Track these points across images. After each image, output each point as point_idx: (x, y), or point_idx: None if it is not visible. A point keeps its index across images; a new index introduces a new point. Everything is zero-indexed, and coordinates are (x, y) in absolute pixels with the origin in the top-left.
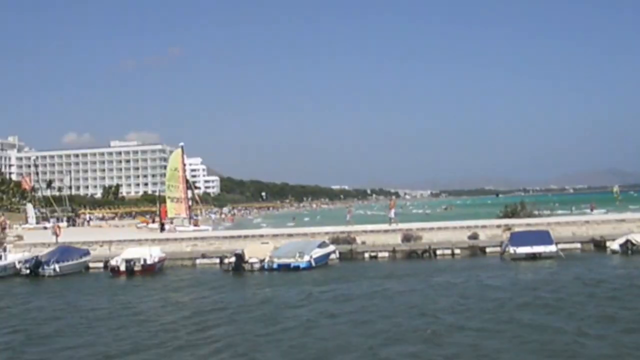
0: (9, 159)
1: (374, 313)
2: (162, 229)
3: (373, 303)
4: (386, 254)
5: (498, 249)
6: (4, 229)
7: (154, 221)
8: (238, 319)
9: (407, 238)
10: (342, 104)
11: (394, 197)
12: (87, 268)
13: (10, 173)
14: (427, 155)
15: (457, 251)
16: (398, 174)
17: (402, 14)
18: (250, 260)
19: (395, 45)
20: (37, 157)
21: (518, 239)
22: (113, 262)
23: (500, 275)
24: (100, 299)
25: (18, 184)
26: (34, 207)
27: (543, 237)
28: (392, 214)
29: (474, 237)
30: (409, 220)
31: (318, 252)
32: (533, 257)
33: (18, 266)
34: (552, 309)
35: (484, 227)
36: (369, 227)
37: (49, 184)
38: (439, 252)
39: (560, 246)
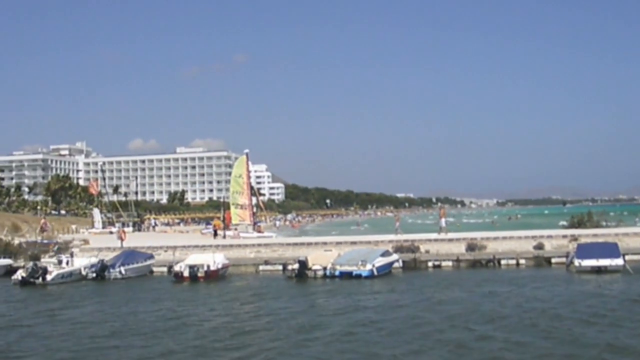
0: (77, 164)
1: (412, 322)
2: (215, 234)
3: (417, 312)
4: (450, 263)
5: (564, 260)
6: (44, 231)
7: (228, 227)
8: (279, 325)
9: (471, 247)
10: (408, 110)
11: (444, 206)
12: (151, 272)
13: (78, 178)
14: (494, 164)
15: (522, 261)
16: (464, 182)
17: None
18: (314, 268)
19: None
20: (104, 163)
21: (584, 251)
22: (177, 268)
23: (558, 288)
24: (162, 303)
25: (85, 189)
26: (101, 212)
27: (610, 249)
28: (442, 222)
29: (540, 247)
30: (472, 229)
31: (381, 261)
32: (598, 270)
33: (84, 271)
34: (587, 325)
35: (549, 237)
36: (433, 235)
37: (116, 189)
38: (503, 262)
39: (628, 257)
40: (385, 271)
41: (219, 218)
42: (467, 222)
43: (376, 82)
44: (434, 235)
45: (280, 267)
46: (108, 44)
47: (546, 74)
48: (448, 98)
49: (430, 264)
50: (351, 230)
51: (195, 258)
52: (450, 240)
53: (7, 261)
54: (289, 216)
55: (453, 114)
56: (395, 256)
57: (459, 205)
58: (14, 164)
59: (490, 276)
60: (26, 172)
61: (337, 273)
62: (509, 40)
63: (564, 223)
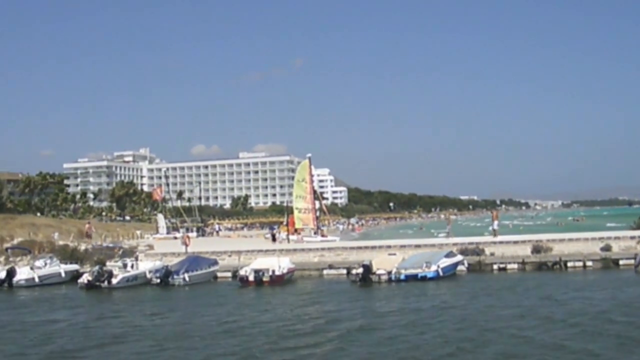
0: (141, 170)
1: (438, 325)
2: (273, 239)
3: (475, 315)
4: (515, 266)
5: (632, 261)
6: (88, 236)
7: (296, 231)
8: (340, 328)
9: (536, 249)
10: (471, 111)
11: (496, 209)
12: (216, 277)
13: (142, 184)
14: (559, 165)
15: (589, 263)
16: (528, 184)
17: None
18: (378, 272)
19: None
20: (167, 169)
21: None
22: (242, 272)
23: (629, 289)
24: (228, 308)
25: (149, 195)
26: (165, 217)
27: None
28: (495, 225)
29: (607, 248)
30: (537, 231)
31: (445, 262)
32: None
33: (149, 275)
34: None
35: (617, 238)
36: (498, 238)
37: (179, 195)
38: (569, 264)
39: None
40: (450, 272)
41: (282, 223)
42: (531, 223)
43: (437, 84)
44: (498, 238)
45: (345, 271)
46: (170, 51)
47: (613, 71)
48: (511, 99)
49: (495, 266)
50: (411, 233)
51: (261, 262)
52: (516, 242)
53: (74, 266)
54: (352, 220)
55: (517, 114)
56: (459, 256)
57: (523, 207)
58: (79, 171)
59: (556, 279)
60: (91, 179)
61: (402, 277)
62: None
63: (613, 225)
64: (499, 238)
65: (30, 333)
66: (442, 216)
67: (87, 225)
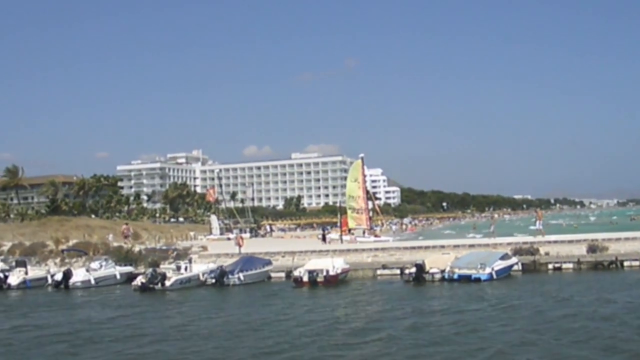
0: (194, 172)
1: (466, 327)
2: (324, 239)
3: (494, 315)
4: (570, 266)
5: None
6: (126, 236)
7: (349, 231)
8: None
9: (592, 249)
10: (523, 110)
11: (539, 208)
12: (269, 278)
13: (195, 186)
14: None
15: None
16: (583, 182)
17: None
18: (431, 271)
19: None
20: (220, 170)
21: None
22: (296, 273)
23: None
24: (283, 307)
25: (202, 196)
26: (218, 218)
27: None
28: (538, 225)
29: None
30: (592, 230)
31: (500, 264)
32: None
33: (203, 277)
34: None
35: None
36: (552, 237)
37: (233, 196)
38: (626, 263)
39: None
40: (505, 274)
41: (335, 223)
42: (585, 222)
43: (488, 83)
44: (552, 237)
45: (398, 271)
46: (222, 52)
47: None
48: (565, 96)
49: (550, 266)
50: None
51: (315, 263)
52: (571, 241)
53: (128, 268)
54: (406, 220)
55: (571, 112)
56: (514, 259)
57: (578, 206)
58: (132, 173)
59: (612, 278)
60: (145, 181)
61: (455, 276)
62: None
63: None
64: (554, 237)
65: (87, 332)
66: (495, 215)
67: (124, 227)
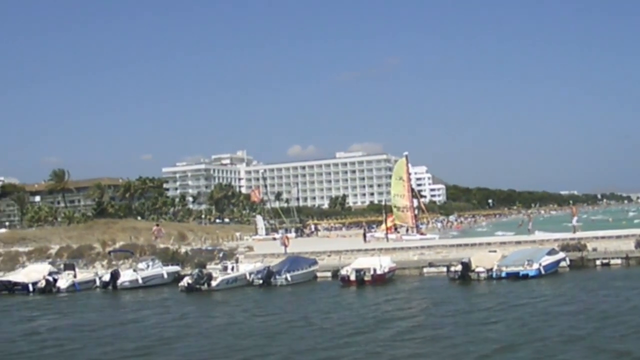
0: (239, 172)
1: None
2: (364, 238)
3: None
4: (619, 261)
5: None
6: (157, 237)
7: (396, 229)
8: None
9: None
10: (569, 103)
11: (574, 204)
12: (315, 277)
13: (239, 186)
14: None
15: None
16: (632, 177)
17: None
18: (477, 269)
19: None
20: (264, 170)
21: None
22: (343, 272)
23: None
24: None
25: (247, 197)
26: (263, 218)
27: None
28: (574, 221)
29: None
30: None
31: (547, 260)
32: None
33: (250, 277)
34: None
35: None
36: (600, 233)
37: (278, 196)
38: None
39: None
40: (552, 270)
41: (381, 222)
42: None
43: (533, 78)
44: (600, 233)
45: (445, 269)
46: (264, 52)
47: None
48: (612, 87)
49: (598, 262)
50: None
51: (362, 262)
52: (618, 237)
53: (175, 268)
54: (451, 217)
55: (618, 104)
56: (561, 254)
57: (625, 201)
58: (177, 175)
59: None
60: (190, 182)
61: (503, 274)
62: None
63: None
64: (601, 233)
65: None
66: (543, 211)
67: (155, 227)
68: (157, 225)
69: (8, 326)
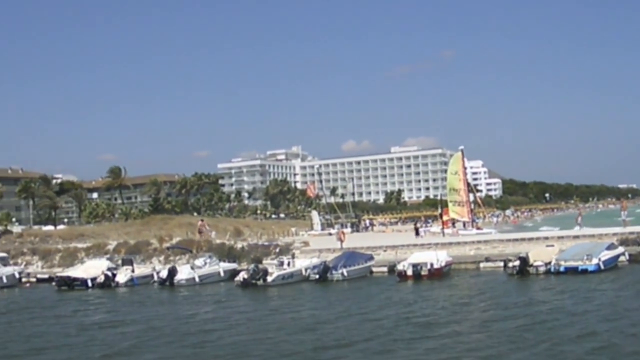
0: (294, 168)
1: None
2: (417, 233)
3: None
4: None
5: None
6: (201, 232)
7: (454, 224)
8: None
9: None
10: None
11: (628, 199)
12: (371, 272)
13: (295, 182)
14: None
15: None
16: None
17: None
18: (535, 264)
19: None
20: (319, 166)
21: None
22: (400, 267)
23: None
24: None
25: (303, 192)
26: (319, 213)
27: None
28: (623, 215)
29: None
30: None
31: (607, 255)
32: None
33: (306, 272)
34: None
35: None
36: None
37: (333, 191)
38: None
39: None
40: (612, 265)
41: (436, 217)
42: None
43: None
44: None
45: (502, 264)
46: (318, 47)
47: None
48: None
49: None
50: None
51: (418, 257)
52: None
53: (232, 265)
54: (508, 212)
55: None
56: (621, 249)
57: (624, 199)
58: (233, 171)
59: None
60: (245, 178)
61: (561, 269)
62: None
63: None
64: (626, 229)
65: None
66: (601, 205)
67: (199, 223)
68: (202, 220)
69: (74, 318)
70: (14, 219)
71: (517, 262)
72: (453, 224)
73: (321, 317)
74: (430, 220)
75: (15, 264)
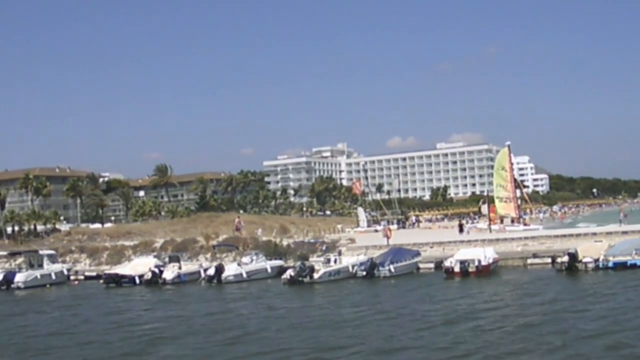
0: (339, 165)
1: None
2: (461, 230)
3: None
4: None
5: None
6: (238, 229)
7: (502, 220)
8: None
9: None
10: None
11: None
12: (418, 269)
13: (340, 179)
14: None
15: None
16: None
17: None
18: (584, 260)
19: None
20: (365, 162)
21: None
22: (447, 263)
23: None
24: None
25: (349, 189)
26: (365, 210)
27: None
28: None
29: None
30: None
31: None
32: None
33: (352, 269)
34: None
35: None
36: None
37: (379, 188)
38: None
39: None
40: None
41: (479, 213)
42: None
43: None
44: None
45: (549, 260)
46: (360, 42)
47: None
48: None
49: None
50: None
51: (465, 253)
52: None
53: (278, 262)
54: (555, 207)
55: None
56: None
57: None
58: (279, 168)
59: None
60: (291, 175)
61: (610, 264)
62: None
63: None
64: None
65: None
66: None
67: (236, 219)
68: (238, 217)
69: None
70: (62, 218)
71: (565, 258)
72: (502, 220)
73: (385, 311)
74: (477, 217)
75: (64, 261)
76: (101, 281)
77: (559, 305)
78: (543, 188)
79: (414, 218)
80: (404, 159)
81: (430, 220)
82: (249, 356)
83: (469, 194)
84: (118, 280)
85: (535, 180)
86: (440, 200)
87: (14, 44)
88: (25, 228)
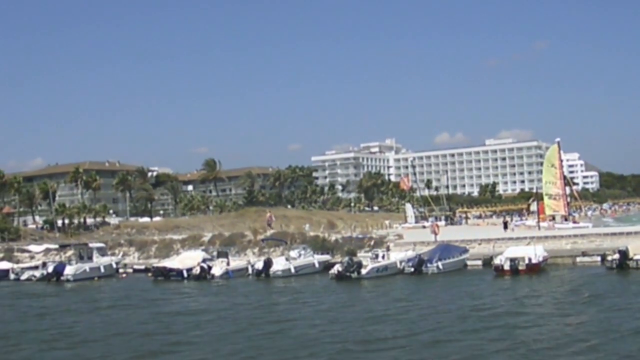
0: (388, 160)
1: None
2: (505, 227)
3: None
4: None
5: None
6: (269, 224)
7: (554, 218)
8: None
9: None
10: None
11: None
12: (465, 266)
13: (388, 174)
14: None
15: None
16: None
17: None
18: (635, 257)
19: None
20: (413, 158)
21: None
22: (497, 261)
23: None
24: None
25: (396, 185)
26: (413, 206)
27: None
28: None
29: None
30: None
31: None
32: None
33: (400, 265)
34: None
35: None
36: None
37: (427, 184)
38: None
39: None
40: None
41: (527, 210)
42: None
43: None
44: None
45: (599, 258)
46: (409, 39)
47: None
48: None
49: None
50: None
51: (515, 251)
52: None
53: (326, 257)
54: (605, 205)
55: None
56: None
57: None
58: (327, 163)
59: None
60: (339, 171)
61: None
62: None
63: None
64: None
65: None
66: None
67: (268, 214)
68: (270, 212)
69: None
70: (111, 211)
71: (616, 256)
72: (553, 217)
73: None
74: (525, 213)
75: (113, 254)
76: (149, 274)
77: (608, 302)
78: (593, 185)
79: (459, 214)
80: (453, 155)
81: (479, 217)
82: (299, 348)
83: (517, 190)
84: (166, 274)
85: (585, 177)
86: (488, 197)
87: (71, 37)
88: (75, 221)
